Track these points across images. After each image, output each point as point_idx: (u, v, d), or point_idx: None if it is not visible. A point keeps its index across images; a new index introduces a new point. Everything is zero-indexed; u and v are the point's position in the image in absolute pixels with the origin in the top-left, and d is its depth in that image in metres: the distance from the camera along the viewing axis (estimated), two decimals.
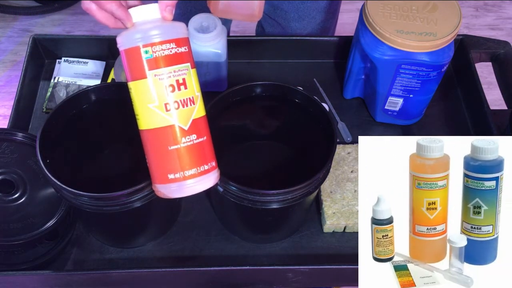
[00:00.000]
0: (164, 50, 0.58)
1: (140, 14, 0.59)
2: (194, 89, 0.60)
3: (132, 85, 0.59)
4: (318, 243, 0.81)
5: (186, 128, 0.59)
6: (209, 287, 0.78)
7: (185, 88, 0.59)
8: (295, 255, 0.80)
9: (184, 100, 0.59)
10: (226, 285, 0.78)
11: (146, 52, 0.58)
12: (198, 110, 0.60)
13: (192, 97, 0.60)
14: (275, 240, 0.81)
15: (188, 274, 0.74)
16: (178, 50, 0.58)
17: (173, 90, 0.58)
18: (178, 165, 0.60)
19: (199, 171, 0.60)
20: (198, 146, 0.60)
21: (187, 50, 0.60)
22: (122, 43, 0.59)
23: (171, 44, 0.58)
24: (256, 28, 1.20)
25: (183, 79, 0.59)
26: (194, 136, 0.60)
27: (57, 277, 0.74)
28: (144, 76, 0.58)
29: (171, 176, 0.60)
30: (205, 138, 0.61)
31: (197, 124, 0.60)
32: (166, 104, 0.58)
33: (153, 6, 0.60)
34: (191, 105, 0.59)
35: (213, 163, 0.62)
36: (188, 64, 0.60)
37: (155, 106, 0.58)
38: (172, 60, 0.58)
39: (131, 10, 0.60)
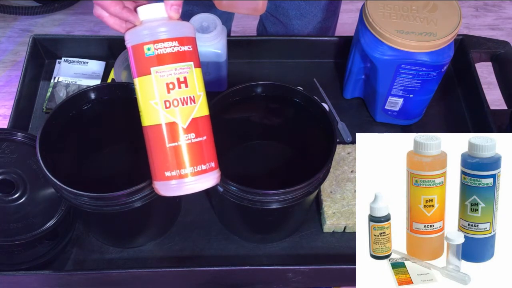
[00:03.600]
0: (166, 48, 0.59)
1: (147, 12, 0.61)
2: (196, 88, 0.61)
3: (137, 81, 0.60)
4: (318, 243, 0.81)
5: (184, 126, 0.60)
6: (209, 287, 0.78)
7: (186, 86, 0.60)
8: (295, 255, 0.80)
9: (184, 98, 0.60)
10: (226, 285, 0.78)
11: (149, 49, 0.59)
12: (199, 109, 0.61)
13: (193, 96, 0.60)
14: (275, 240, 0.81)
15: (188, 274, 0.74)
16: (180, 48, 0.59)
17: (174, 88, 0.59)
18: (175, 163, 0.60)
19: (195, 170, 0.60)
20: (196, 145, 0.60)
21: (191, 50, 0.61)
22: (129, 39, 0.60)
23: (174, 42, 0.59)
24: (257, 27, 1.20)
25: (185, 78, 0.60)
26: (192, 135, 0.60)
27: (57, 277, 0.74)
28: (146, 73, 0.59)
29: (167, 174, 0.60)
30: (205, 138, 0.61)
31: (197, 123, 0.60)
32: (166, 101, 0.59)
33: (161, 5, 0.61)
34: (191, 103, 0.60)
35: (213, 164, 0.62)
36: (191, 63, 0.60)
37: (155, 102, 0.59)
38: (174, 58, 0.59)
39: (139, 9, 0.61)
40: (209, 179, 0.62)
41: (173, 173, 0.60)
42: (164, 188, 0.61)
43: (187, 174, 0.60)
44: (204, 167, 0.61)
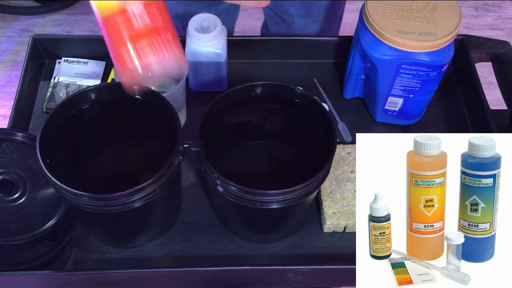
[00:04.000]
0: None
1: None
2: None
3: None
4: (318, 243, 0.81)
5: (137, 12, 0.57)
6: (209, 287, 0.78)
7: None
8: (295, 255, 0.80)
9: None
10: (226, 285, 0.78)
11: None
12: None
13: None
14: (275, 240, 0.81)
15: (188, 274, 0.74)
16: None
17: None
18: (135, 51, 0.58)
19: (157, 56, 0.58)
20: (152, 31, 0.58)
21: None
22: None
23: None
24: (261, 28, 1.21)
25: None
26: (147, 20, 0.58)
27: (57, 277, 0.74)
28: None
29: (130, 65, 0.58)
30: (162, 24, 0.59)
31: (151, 9, 0.58)
32: None
33: None
34: None
35: (176, 51, 0.60)
36: None
37: None
38: None
39: None
40: (172, 63, 0.59)
41: (135, 62, 0.58)
42: (129, 78, 0.59)
43: (148, 62, 0.58)
44: (166, 53, 0.59)
